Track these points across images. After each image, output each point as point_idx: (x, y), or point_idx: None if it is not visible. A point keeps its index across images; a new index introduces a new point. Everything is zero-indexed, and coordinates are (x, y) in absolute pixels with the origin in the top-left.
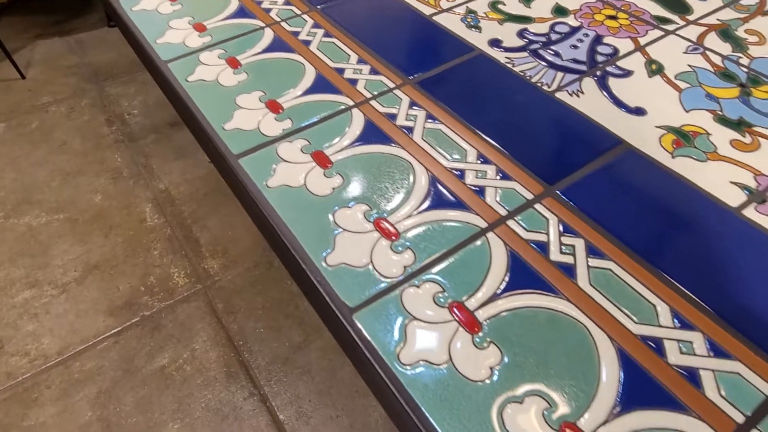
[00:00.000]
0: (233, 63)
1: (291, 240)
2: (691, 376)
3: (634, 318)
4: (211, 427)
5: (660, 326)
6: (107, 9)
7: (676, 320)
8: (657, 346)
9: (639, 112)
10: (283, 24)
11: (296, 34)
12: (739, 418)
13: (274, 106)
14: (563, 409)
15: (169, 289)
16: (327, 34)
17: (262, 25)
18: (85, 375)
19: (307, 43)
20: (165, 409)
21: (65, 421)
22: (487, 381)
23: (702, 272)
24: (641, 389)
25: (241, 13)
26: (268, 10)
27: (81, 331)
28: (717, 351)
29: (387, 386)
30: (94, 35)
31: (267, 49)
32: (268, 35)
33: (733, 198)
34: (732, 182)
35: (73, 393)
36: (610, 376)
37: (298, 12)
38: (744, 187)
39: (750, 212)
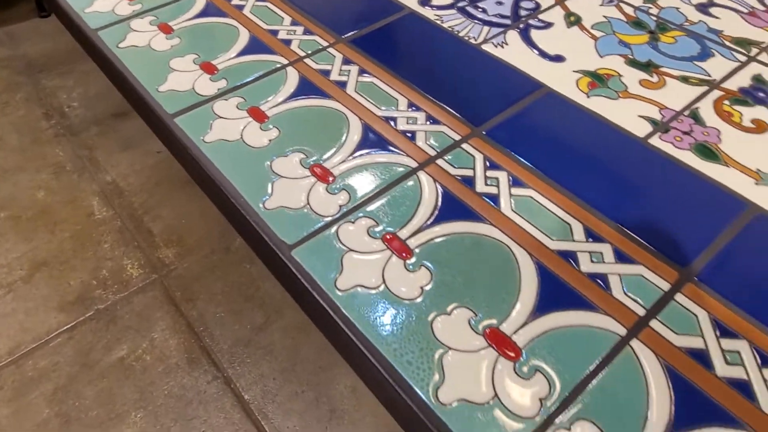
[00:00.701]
0: (165, 29)
1: (229, 188)
2: (601, 280)
3: (552, 236)
4: (176, 412)
5: (574, 241)
6: None
7: (588, 235)
8: (571, 258)
9: (558, 59)
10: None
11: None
12: (641, 312)
13: (208, 68)
14: (487, 316)
15: (123, 281)
16: None
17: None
18: (39, 373)
19: (240, 7)
20: (126, 399)
21: (21, 420)
22: (419, 299)
23: (612, 193)
24: (556, 295)
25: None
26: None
27: (32, 330)
28: (623, 258)
29: (326, 311)
30: (26, 26)
31: (200, 15)
32: (201, 1)
33: (641, 129)
34: (640, 116)
35: (28, 392)
36: (529, 286)
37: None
38: (650, 120)
39: (655, 140)
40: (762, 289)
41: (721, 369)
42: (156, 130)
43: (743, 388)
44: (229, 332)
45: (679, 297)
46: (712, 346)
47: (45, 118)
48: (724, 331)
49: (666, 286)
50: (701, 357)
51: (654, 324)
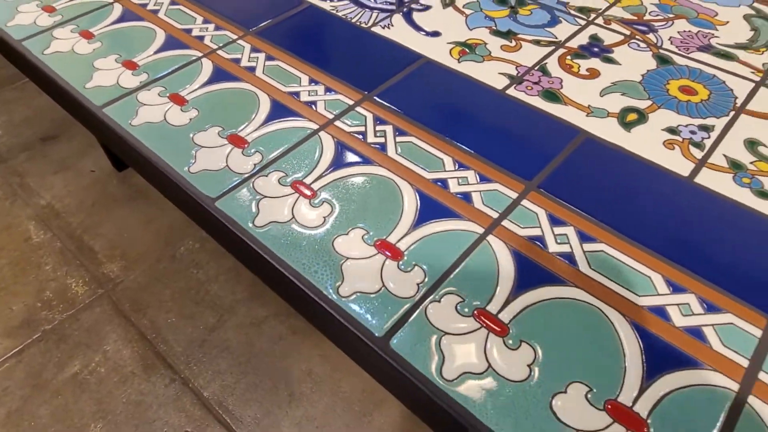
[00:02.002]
0: (87, 35)
1: (156, 160)
2: (466, 197)
3: (427, 169)
4: (136, 418)
5: (445, 171)
6: None
7: (457, 165)
8: (443, 183)
9: (435, 34)
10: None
11: (144, 5)
12: (495, 215)
13: (130, 65)
14: (377, 232)
15: (69, 300)
16: (173, 3)
17: (110, 1)
18: None
19: (156, 11)
20: (84, 413)
21: None
22: (323, 227)
23: (475, 132)
24: (432, 211)
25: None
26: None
27: None
28: (483, 178)
29: (247, 244)
30: None
31: (118, 20)
32: (117, 9)
33: (500, 83)
34: (500, 73)
35: None
36: (410, 207)
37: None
38: (508, 75)
39: (511, 91)
40: (584, 189)
41: (553, 247)
42: (86, 123)
43: (569, 258)
44: (183, 335)
45: (524, 202)
46: (547, 233)
47: None
48: (556, 221)
49: (515, 195)
50: (539, 241)
51: (505, 223)
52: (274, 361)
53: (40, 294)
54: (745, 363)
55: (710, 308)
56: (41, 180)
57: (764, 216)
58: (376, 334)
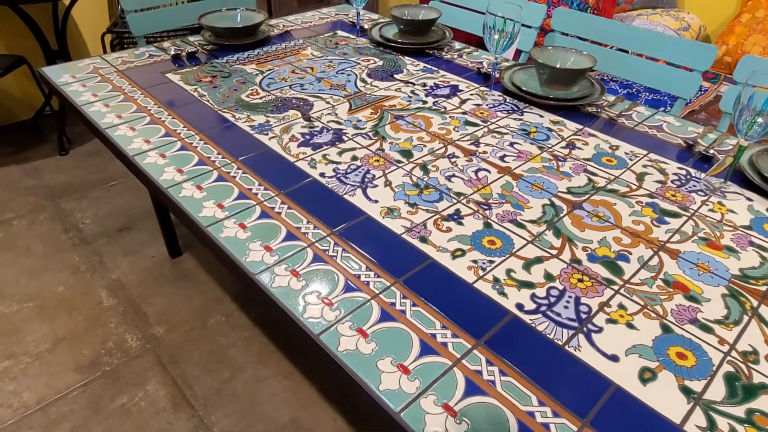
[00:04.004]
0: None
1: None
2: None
3: (360, 276)
4: None
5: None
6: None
7: (364, 268)
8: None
9: (375, 201)
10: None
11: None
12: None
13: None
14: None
15: (125, 350)
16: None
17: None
18: (60, 416)
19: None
20: None
21: None
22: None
23: (389, 257)
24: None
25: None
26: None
27: (54, 386)
28: (365, 268)
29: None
30: (48, 162)
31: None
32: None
33: (400, 231)
34: (402, 225)
35: (52, 431)
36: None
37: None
38: (406, 227)
39: (405, 236)
40: (426, 285)
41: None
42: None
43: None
44: (204, 384)
45: (394, 288)
46: (398, 304)
47: (64, 232)
48: (404, 297)
49: (388, 283)
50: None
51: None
52: (269, 410)
53: (104, 344)
54: (458, 355)
55: (455, 336)
56: (114, 260)
57: (497, 303)
58: None
